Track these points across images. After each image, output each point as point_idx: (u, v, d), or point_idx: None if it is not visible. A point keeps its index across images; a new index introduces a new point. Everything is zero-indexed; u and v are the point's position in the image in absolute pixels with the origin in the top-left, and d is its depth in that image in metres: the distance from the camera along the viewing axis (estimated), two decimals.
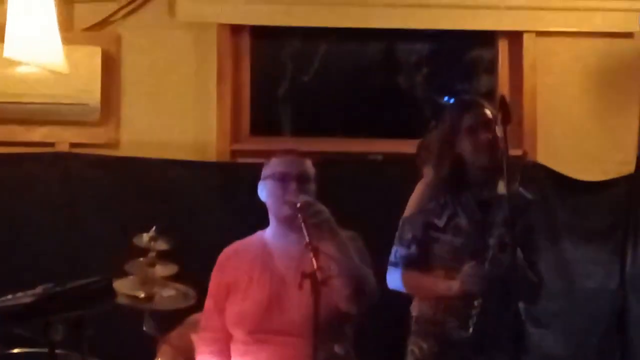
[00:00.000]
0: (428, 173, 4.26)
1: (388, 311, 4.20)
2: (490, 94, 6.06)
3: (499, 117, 3.66)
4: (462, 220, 3.83)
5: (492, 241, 3.72)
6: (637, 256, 4.71)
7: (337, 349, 3.60)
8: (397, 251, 3.99)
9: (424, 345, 3.85)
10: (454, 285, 3.79)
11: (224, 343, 3.74)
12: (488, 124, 3.84)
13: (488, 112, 3.89)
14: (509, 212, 3.64)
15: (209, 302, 3.87)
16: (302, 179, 3.70)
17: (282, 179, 3.71)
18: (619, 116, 5.79)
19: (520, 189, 3.92)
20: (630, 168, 4.93)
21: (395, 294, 4.09)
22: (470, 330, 3.71)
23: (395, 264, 4.00)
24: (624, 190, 4.96)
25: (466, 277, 3.74)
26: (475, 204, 3.83)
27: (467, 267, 3.75)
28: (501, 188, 3.77)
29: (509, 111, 3.65)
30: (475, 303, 3.71)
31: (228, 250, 3.89)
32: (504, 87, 6.05)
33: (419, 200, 4.01)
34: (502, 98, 3.77)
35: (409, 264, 3.95)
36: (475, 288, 3.70)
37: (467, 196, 3.84)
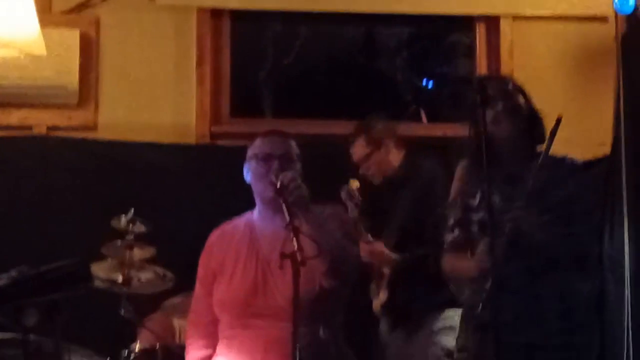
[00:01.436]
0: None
1: None
2: (468, 78, 6.09)
3: (478, 99, 3.64)
4: (495, 197, 3.78)
5: (509, 215, 3.66)
6: (614, 237, 4.68)
7: (322, 332, 3.57)
8: (446, 238, 3.96)
9: (463, 328, 3.82)
10: (472, 265, 3.75)
11: (213, 326, 3.75)
12: (507, 94, 3.78)
13: (501, 85, 3.84)
14: (544, 182, 3.61)
15: (197, 286, 3.87)
16: (285, 159, 3.68)
17: (265, 158, 3.69)
18: (596, 99, 5.81)
19: (568, 156, 3.85)
20: (607, 150, 4.95)
21: None
22: (480, 309, 3.67)
23: (445, 251, 3.96)
24: (601, 172, 4.95)
25: (481, 256, 3.70)
26: (503, 178, 3.77)
27: (482, 244, 3.71)
28: (530, 159, 3.71)
29: (486, 93, 3.62)
30: (487, 282, 3.66)
31: (215, 233, 3.88)
32: (482, 70, 6.08)
33: (457, 183, 3.96)
34: (479, 80, 3.75)
35: (454, 248, 3.91)
36: (488, 266, 3.65)
37: (498, 172, 3.78)
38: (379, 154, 4.93)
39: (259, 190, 3.73)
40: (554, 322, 3.59)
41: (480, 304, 3.62)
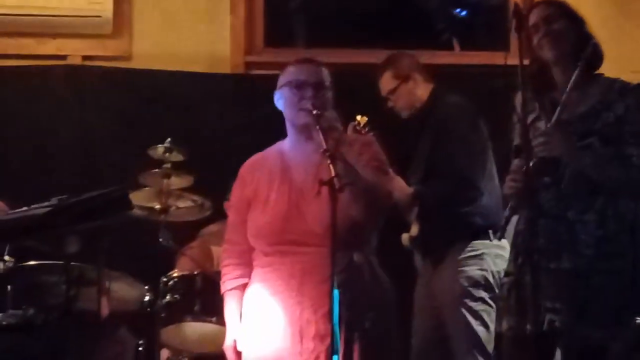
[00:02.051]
0: None
1: None
2: (503, 6, 6.01)
3: (514, 24, 3.60)
4: (541, 123, 3.75)
5: (537, 141, 3.64)
6: None
7: (356, 257, 3.60)
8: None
9: (510, 255, 3.82)
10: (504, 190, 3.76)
11: (248, 255, 3.74)
12: (548, 19, 3.73)
13: (550, 8, 3.80)
14: (591, 105, 3.59)
15: (231, 215, 3.87)
16: (318, 87, 3.67)
17: (298, 86, 3.67)
18: (630, 24, 5.77)
19: (619, 79, 3.79)
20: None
21: None
22: (499, 236, 3.67)
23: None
24: None
25: (506, 181, 3.69)
26: (550, 103, 3.73)
27: (512, 166, 3.70)
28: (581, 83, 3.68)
29: (522, 19, 3.59)
30: (508, 207, 3.66)
31: (248, 163, 3.87)
32: None
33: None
34: (516, 6, 3.71)
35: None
36: (511, 191, 3.64)
37: (547, 97, 3.74)
38: (406, 87, 4.90)
39: (292, 116, 3.72)
40: (591, 248, 3.59)
41: (522, 230, 3.63)
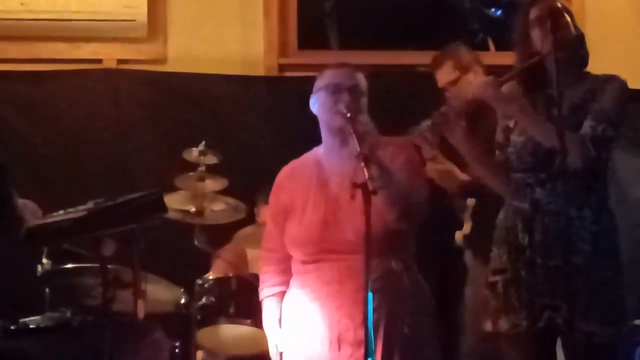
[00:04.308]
0: None
1: None
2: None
3: (549, 26, 3.59)
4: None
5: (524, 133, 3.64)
6: None
7: (394, 264, 3.59)
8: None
9: (496, 251, 3.80)
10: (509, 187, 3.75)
11: (286, 262, 3.75)
12: (555, 13, 3.71)
13: (555, 2, 3.78)
14: (580, 97, 3.60)
15: (269, 223, 3.87)
16: (354, 91, 3.66)
17: (335, 90, 3.68)
18: None
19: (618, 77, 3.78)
20: None
21: None
22: (517, 230, 3.66)
23: None
24: None
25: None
26: (545, 100, 3.72)
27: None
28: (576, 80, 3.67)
29: (558, 18, 3.59)
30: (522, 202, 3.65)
31: (285, 170, 3.87)
32: None
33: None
34: (553, 5, 3.70)
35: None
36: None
37: (541, 93, 3.73)
38: (466, 79, 4.87)
39: (327, 120, 3.71)
40: (588, 244, 3.58)
41: (520, 225, 3.62)
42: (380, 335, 3.46)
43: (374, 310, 3.31)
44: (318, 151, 3.80)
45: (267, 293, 3.78)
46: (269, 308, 3.77)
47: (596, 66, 3.75)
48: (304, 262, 3.67)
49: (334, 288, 3.55)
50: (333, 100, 3.65)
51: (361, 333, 3.36)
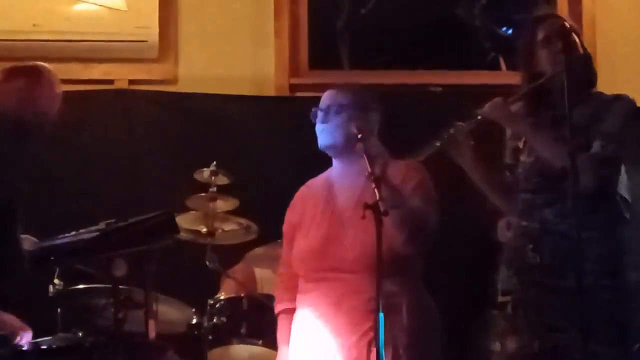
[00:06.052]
0: None
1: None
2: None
3: (560, 46, 3.59)
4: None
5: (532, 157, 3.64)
6: None
7: (391, 285, 3.53)
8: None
9: (505, 272, 3.79)
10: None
11: (295, 280, 3.78)
12: (563, 33, 3.70)
13: (563, 22, 3.77)
14: (586, 117, 3.58)
15: (284, 240, 3.91)
16: (362, 109, 3.69)
17: (339, 109, 3.71)
18: None
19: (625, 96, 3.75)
20: None
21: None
22: (528, 251, 3.65)
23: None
24: None
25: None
26: (551, 120, 3.71)
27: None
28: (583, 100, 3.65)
29: (569, 38, 3.59)
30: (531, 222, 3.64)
31: (301, 189, 3.90)
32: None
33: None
34: (563, 26, 3.71)
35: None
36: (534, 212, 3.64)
37: (547, 114, 3.72)
38: None
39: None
40: (597, 264, 3.56)
41: (530, 246, 3.61)
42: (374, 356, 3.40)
43: (369, 330, 3.36)
44: (332, 171, 3.82)
45: (278, 309, 3.84)
46: (280, 325, 3.82)
47: (607, 86, 3.74)
48: (306, 280, 3.70)
49: (333, 307, 3.57)
50: (341, 119, 3.67)
51: (361, 351, 3.40)
